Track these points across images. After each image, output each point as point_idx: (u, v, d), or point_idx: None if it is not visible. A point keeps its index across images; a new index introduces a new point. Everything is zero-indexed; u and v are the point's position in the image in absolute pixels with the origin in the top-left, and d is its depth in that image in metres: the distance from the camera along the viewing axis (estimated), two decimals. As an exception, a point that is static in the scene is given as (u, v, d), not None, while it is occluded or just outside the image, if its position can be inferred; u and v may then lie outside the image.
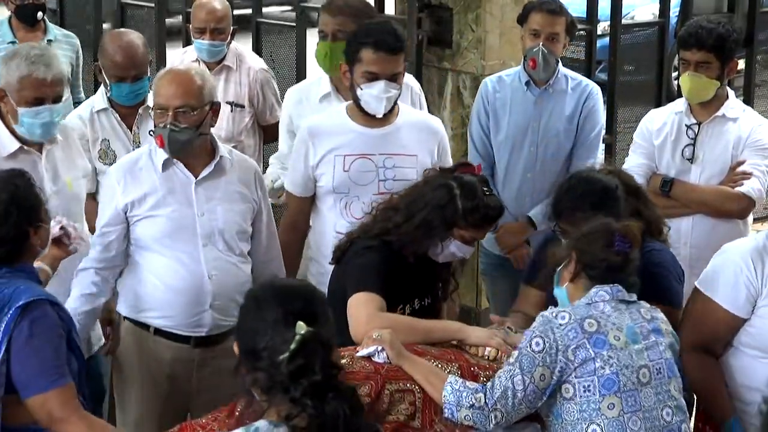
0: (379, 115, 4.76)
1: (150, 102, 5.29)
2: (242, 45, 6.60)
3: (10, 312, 3.71)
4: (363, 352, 3.81)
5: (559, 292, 3.92)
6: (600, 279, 3.81)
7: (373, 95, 4.72)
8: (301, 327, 2.98)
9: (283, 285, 3.26)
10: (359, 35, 4.77)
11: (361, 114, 4.80)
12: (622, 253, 3.83)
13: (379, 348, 3.79)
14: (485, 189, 4.22)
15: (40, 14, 6.86)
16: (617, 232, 3.85)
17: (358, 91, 4.74)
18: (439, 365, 3.81)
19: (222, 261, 4.55)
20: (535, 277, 4.42)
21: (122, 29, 5.62)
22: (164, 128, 4.44)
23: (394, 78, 4.73)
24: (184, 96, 4.46)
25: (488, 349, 3.99)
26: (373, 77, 4.70)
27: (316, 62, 5.40)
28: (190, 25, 6.37)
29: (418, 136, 4.86)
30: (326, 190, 4.84)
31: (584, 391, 3.64)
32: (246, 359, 3.08)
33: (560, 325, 3.67)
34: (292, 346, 2.96)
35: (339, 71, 4.97)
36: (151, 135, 4.67)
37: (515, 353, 3.72)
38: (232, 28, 6.29)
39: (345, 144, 4.81)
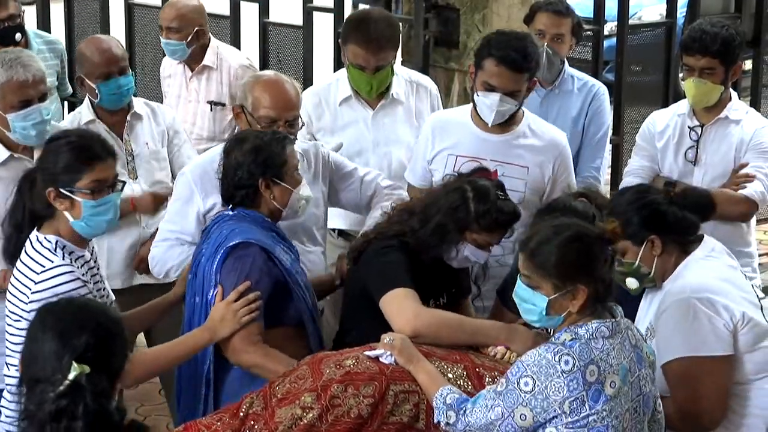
0: (489, 125, 4.75)
1: (136, 107, 5.27)
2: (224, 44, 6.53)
3: (221, 252, 4.03)
4: (371, 353, 3.81)
5: (550, 321, 3.56)
6: (603, 299, 3.54)
7: (486, 104, 4.72)
8: (75, 369, 2.84)
9: (73, 312, 2.99)
10: (492, 44, 4.73)
11: (482, 118, 4.80)
12: (610, 260, 3.53)
13: (388, 351, 3.80)
14: (499, 193, 4.21)
15: (18, 36, 6.52)
16: (603, 241, 3.53)
17: (476, 96, 4.77)
18: (445, 366, 3.81)
19: (305, 255, 4.57)
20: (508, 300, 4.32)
21: (94, 35, 5.58)
22: None
23: (512, 94, 4.70)
24: (296, 106, 4.56)
25: (498, 348, 3.97)
26: (490, 89, 4.70)
27: (353, 84, 5.27)
28: None
29: (535, 148, 4.82)
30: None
31: None
32: (22, 385, 2.94)
33: (563, 372, 3.40)
34: (60, 388, 2.83)
35: (379, 94, 5.15)
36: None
37: (503, 381, 3.49)
38: (197, 29, 6.18)
39: (460, 144, 4.83)
